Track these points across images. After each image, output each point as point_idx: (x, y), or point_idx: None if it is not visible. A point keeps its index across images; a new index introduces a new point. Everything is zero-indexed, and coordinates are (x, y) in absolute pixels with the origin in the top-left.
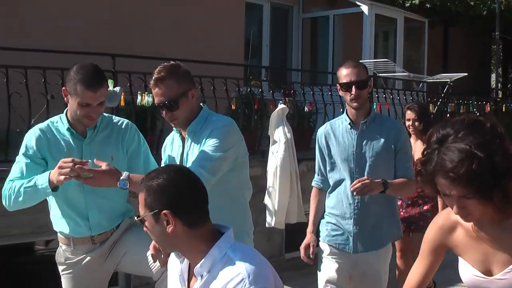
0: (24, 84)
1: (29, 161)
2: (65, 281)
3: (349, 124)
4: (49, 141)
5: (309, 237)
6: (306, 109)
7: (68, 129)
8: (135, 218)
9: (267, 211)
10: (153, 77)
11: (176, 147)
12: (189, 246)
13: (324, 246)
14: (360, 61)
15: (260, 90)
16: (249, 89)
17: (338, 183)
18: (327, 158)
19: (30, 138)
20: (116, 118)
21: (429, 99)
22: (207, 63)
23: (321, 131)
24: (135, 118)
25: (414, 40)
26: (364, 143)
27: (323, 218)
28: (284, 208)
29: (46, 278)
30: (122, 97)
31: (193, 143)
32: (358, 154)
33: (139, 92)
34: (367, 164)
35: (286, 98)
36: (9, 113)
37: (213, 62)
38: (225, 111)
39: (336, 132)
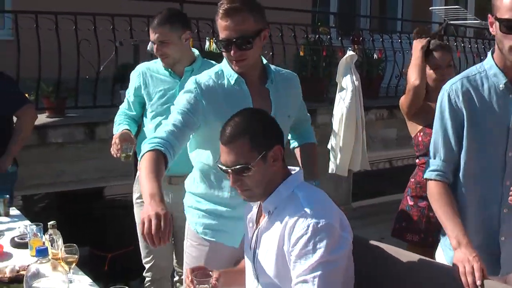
0: (92, 31)
1: (130, 96)
2: (138, 210)
3: (505, 84)
4: (147, 80)
5: (476, 257)
6: (375, 56)
7: (165, 68)
8: (237, 167)
9: (331, 157)
10: (224, 7)
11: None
12: (275, 183)
13: None
14: (431, 8)
15: (329, 37)
16: (317, 36)
17: (483, 175)
18: (466, 134)
19: (132, 76)
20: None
21: None
22: (275, 9)
23: (454, 88)
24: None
25: None
26: None
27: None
28: (348, 155)
29: (114, 221)
30: (190, 43)
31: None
32: None
33: (207, 38)
34: None
35: (355, 45)
36: (78, 60)
37: (281, 8)
38: (293, 58)
39: (481, 94)
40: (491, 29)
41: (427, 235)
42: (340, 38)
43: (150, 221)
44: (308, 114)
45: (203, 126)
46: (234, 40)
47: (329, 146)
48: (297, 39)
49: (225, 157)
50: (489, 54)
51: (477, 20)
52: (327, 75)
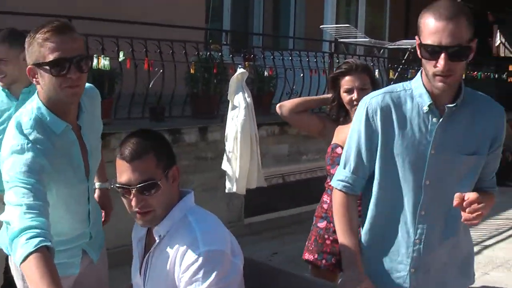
0: None
1: None
2: None
3: (429, 106)
4: None
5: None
6: (266, 73)
7: (2, 89)
8: (144, 184)
9: (226, 177)
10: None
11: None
12: (172, 205)
13: None
14: (321, 26)
15: (220, 54)
16: (208, 53)
17: (392, 194)
18: (380, 148)
19: None
20: None
21: (389, 65)
22: (166, 26)
23: (374, 102)
24: (92, 81)
25: (376, 6)
26: (447, 137)
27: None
28: (245, 173)
29: None
30: None
31: None
32: (435, 154)
33: (95, 55)
34: (446, 171)
35: (246, 63)
36: None
37: (172, 26)
38: (184, 75)
39: (403, 113)
40: (418, 52)
41: (321, 256)
42: (231, 56)
43: None
44: None
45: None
46: None
47: (223, 167)
48: (188, 57)
49: (129, 175)
50: (418, 74)
51: (367, 38)
52: (218, 92)
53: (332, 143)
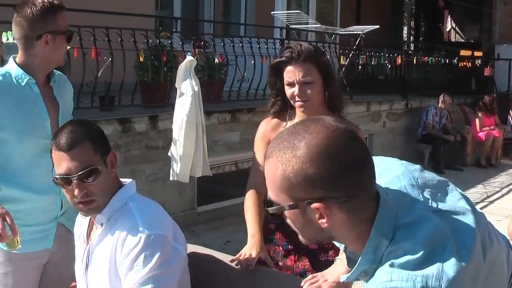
0: None
1: None
2: None
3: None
4: None
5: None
6: (216, 61)
7: None
8: (85, 171)
9: (171, 163)
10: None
11: None
12: (112, 192)
13: None
14: (272, 12)
15: (170, 42)
16: (158, 41)
17: None
18: None
19: None
20: None
21: (341, 51)
22: (114, 14)
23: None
24: None
25: None
26: None
27: None
28: (189, 161)
29: None
30: None
31: None
32: None
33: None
34: None
35: (196, 50)
36: None
37: (121, 13)
38: (134, 63)
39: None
40: None
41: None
42: (181, 43)
43: None
44: None
45: None
46: None
47: (170, 153)
48: (137, 44)
49: (68, 165)
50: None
51: (318, 24)
52: (168, 80)
53: None
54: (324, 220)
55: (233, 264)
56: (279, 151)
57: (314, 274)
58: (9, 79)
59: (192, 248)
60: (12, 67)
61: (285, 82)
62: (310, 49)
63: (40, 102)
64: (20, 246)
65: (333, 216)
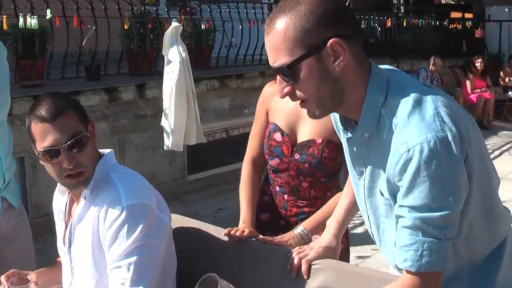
0: None
1: None
2: None
3: None
4: None
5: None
6: (203, 27)
7: None
8: (74, 139)
9: (164, 134)
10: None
11: None
12: (94, 163)
13: None
14: None
15: (156, 8)
16: (143, 8)
17: None
18: None
19: None
20: None
21: None
22: None
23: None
24: (23, 42)
25: None
26: None
27: None
28: (182, 129)
29: None
30: (4, 19)
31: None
32: None
33: (20, 14)
34: None
35: (182, 16)
36: None
37: None
38: (118, 31)
39: None
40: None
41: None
42: (167, 10)
43: None
44: None
45: None
46: None
47: (162, 123)
48: (122, 12)
49: (55, 136)
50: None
51: None
52: (155, 48)
53: (270, 122)
54: (340, 59)
55: (221, 236)
56: (281, 13)
57: (302, 246)
58: None
59: (178, 218)
60: None
61: None
62: None
63: None
64: None
65: (346, 53)
